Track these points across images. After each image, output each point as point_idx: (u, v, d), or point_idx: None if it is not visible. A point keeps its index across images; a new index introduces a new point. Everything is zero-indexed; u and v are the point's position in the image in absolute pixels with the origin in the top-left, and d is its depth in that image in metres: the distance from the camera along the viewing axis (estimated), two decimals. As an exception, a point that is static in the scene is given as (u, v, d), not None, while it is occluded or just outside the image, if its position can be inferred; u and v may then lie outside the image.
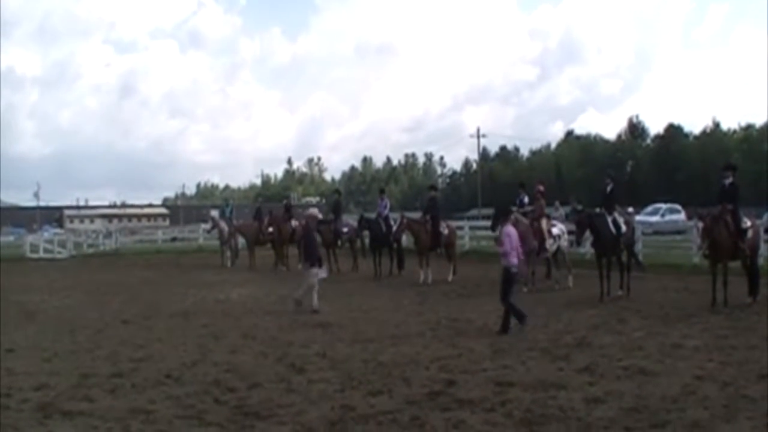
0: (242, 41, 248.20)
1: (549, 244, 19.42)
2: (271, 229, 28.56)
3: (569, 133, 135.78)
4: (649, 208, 47.49)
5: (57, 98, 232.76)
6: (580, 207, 24.35)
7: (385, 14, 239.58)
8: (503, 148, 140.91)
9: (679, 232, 33.04)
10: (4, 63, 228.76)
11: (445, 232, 22.17)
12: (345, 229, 26.48)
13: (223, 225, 30.99)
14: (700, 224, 15.52)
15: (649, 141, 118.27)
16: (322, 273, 16.50)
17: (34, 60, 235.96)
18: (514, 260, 12.96)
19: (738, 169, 17.04)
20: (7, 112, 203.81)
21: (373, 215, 26.74)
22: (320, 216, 18.06)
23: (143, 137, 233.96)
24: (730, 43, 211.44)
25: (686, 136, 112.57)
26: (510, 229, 13.28)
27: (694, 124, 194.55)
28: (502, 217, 14.53)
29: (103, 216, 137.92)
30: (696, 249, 16.78)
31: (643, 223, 33.11)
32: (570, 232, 20.04)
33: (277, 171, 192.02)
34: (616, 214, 17.81)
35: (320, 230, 27.15)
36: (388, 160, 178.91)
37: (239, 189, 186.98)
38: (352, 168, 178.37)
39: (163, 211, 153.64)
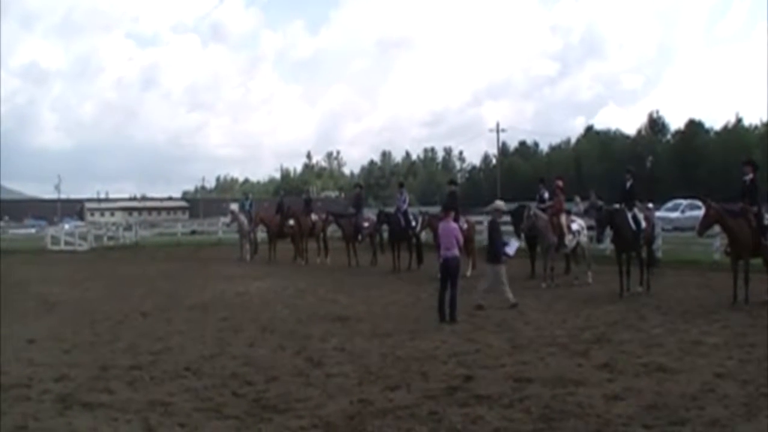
0: (264, 35, 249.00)
1: (568, 239, 19.31)
2: (291, 222, 28.62)
3: (589, 129, 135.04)
4: (669, 204, 47.15)
5: (79, 91, 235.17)
6: (600, 203, 24.18)
7: (405, 8, 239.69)
8: (522, 143, 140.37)
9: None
10: (28, 57, 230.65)
11: (465, 226, 22.05)
12: (366, 224, 26.48)
13: (243, 218, 31.04)
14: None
15: (669, 136, 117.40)
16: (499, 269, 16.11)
17: (57, 54, 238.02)
18: (445, 253, 14.02)
19: (759, 165, 16.86)
20: (30, 105, 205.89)
21: (392, 209, 26.73)
22: (506, 209, 17.58)
23: (164, 130, 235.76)
24: (753, 39, 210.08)
25: (707, 131, 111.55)
26: (444, 225, 14.46)
27: (716, 120, 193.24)
28: (443, 213, 15.36)
29: (124, 209, 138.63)
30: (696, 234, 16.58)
31: (663, 218, 32.89)
32: (590, 228, 19.93)
33: (297, 165, 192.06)
34: (636, 210, 17.71)
35: (341, 224, 27.29)
36: (407, 154, 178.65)
37: (258, 183, 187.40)
38: (371, 162, 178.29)
39: (183, 204, 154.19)
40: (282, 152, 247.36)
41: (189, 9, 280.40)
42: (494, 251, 15.29)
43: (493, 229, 15.72)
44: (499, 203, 16.69)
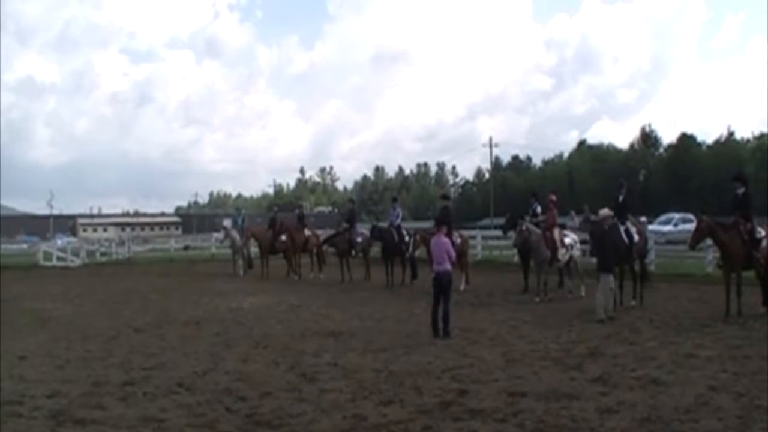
0: (258, 50, 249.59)
1: (561, 253, 19.33)
2: (284, 238, 28.55)
3: (582, 143, 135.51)
4: (662, 218, 47.41)
5: (73, 107, 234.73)
6: (593, 217, 24.21)
7: (400, 23, 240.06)
8: (515, 158, 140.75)
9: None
10: (24, 71, 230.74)
11: (458, 241, 22.03)
12: (359, 239, 26.46)
13: (235, 234, 30.96)
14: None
15: (662, 150, 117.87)
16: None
17: (52, 69, 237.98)
18: (437, 267, 13.93)
19: (748, 179, 16.94)
20: (24, 120, 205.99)
21: (385, 224, 26.72)
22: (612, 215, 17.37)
23: (157, 146, 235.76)
24: (745, 53, 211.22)
25: (699, 145, 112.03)
26: (435, 239, 14.33)
27: (708, 134, 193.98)
28: (436, 227, 15.23)
29: (116, 224, 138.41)
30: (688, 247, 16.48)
31: (656, 232, 33.01)
32: (583, 242, 19.95)
33: (290, 180, 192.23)
34: (628, 224, 17.75)
35: (334, 240, 27.22)
36: (401, 169, 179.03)
37: (251, 198, 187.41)
38: (365, 177, 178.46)
39: (176, 219, 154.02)
40: (276, 167, 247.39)
41: (184, 25, 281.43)
42: (602, 259, 15.35)
43: (602, 237, 15.72)
44: (606, 211, 16.63)
